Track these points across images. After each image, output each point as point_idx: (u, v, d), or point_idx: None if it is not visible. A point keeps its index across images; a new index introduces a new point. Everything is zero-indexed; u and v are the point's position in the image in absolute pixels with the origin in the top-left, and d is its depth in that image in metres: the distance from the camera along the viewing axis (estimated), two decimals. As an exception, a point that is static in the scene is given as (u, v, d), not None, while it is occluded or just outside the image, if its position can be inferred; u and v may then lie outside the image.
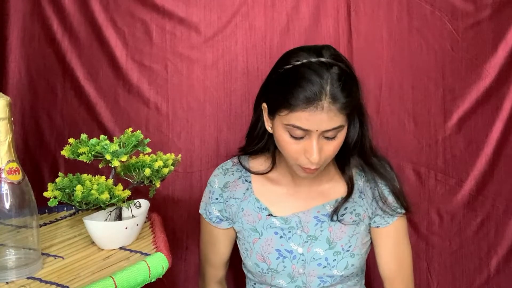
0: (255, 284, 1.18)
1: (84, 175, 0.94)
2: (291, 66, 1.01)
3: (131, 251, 0.95)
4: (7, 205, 0.82)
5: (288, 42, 1.33)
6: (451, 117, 1.38)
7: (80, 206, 0.90)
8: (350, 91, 0.99)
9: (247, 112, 1.34)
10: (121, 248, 0.96)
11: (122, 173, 0.99)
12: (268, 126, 1.08)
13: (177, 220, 1.37)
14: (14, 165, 0.83)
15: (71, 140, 0.95)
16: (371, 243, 1.18)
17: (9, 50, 1.33)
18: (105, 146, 0.92)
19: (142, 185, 0.99)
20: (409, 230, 1.19)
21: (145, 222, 1.07)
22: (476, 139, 1.39)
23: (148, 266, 0.86)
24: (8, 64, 1.33)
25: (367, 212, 1.14)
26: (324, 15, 1.34)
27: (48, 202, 0.88)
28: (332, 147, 1.02)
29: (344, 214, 1.12)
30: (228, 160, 1.21)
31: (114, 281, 0.80)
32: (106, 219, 0.97)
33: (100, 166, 0.98)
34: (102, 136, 0.93)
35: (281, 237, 1.12)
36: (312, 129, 0.98)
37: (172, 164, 1.00)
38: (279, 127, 1.02)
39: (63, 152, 0.94)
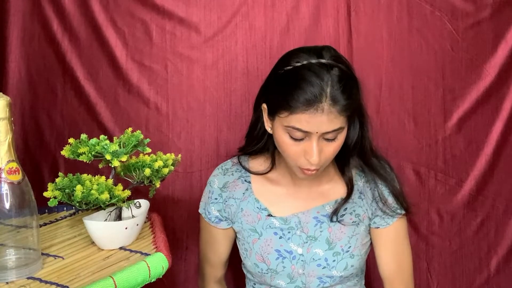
0: (254, 284, 1.18)
1: (84, 175, 0.94)
2: (291, 67, 1.01)
3: (131, 251, 0.95)
4: (7, 205, 0.82)
5: (288, 42, 1.33)
6: (451, 117, 1.38)
7: (80, 206, 0.90)
8: (351, 93, 0.99)
9: (247, 112, 1.34)
10: (121, 248, 0.96)
11: (122, 173, 0.99)
12: (268, 126, 1.08)
13: (177, 220, 1.37)
14: (14, 165, 0.83)
15: (71, 140, 0.95)
16: (371, 243, 1.18)
17: (9, 50, 1.33)
18: (105, 146, 0.92)
19: (142, 185, 0.99)
20: (409, 230, 1.19)
21: (145, 222, 1.07)
22: (476, 139, 1.39)
23: (148, 266, 0.86)
24: (8, 64, 1.33)
25: (367, 212, 1.14)
26: (324, 15, 1.34)
27: (48, 202, 0.88)
28: (332, 148, 1.02)
29: (344, 214, 1.12)
30: (228, 160, 1.21)
31: (114, 281, 0.80)
32: (106, 219, 0.97)
33: (100, 166, 0.98)
34: (102, 136, 0.93)
35: (280, 237, 1.12)
36: (312, 131, 0.98)
37: (172, 164, 1.00)
38: (279, 129, 1.02)
39: (63, 152, 0.94)
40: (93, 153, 0.92)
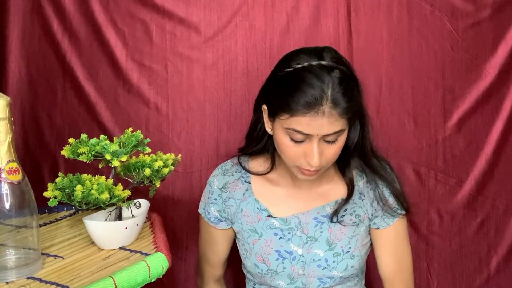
0: (255, 284, 1.18)
1: (84, 175, 0.94)
2: (292, 69, 1.01)
3: (131, 251, 0.95)
4: (7, 205, 0.82)
5: (288, 42, 1.33)
6: (451, 117, 1.38)
7: (80, 206, 0.90)
8: (352, 95, 0.99)
9: (247, 112, 1.34)
10: (121, 248, 0.96)
11: (122, 173, 0.99)
12: (268, 128, 1.08)
13: (177, 220, 1.37)
14: (14, 165, 0.83)
15: (71, 140, 0.95)
16: (371, 244, 1.18)
17: (9, 50, 1.33)
18: (105, 146, 0.92)
19: (142, 185, 0.99)
20: (409, 230, 1.19)
21: (145, 222, 1.07)
22: (476, 139, 1.39)
23: (148, 266, 0.86)
24: (8, 64, 1.33)
25: (367, 213, 1.14)
26: (324, 15, 1.34)
27: (48, 202, 0.88)
28: (333, 150, 1.02)
29: (344, 215, 1.12)
30: (228, 161, 1.21)
31: (114, 281, 0.80)
32: (106, 219, 0.97)
33: (100, 166, 0.98)
34: (102, 136, 0.93)
35: (280, 238, 1.12)
36: (313, 133, 0.97)
37: (172, 164, 1.00)
38: (279, 130, 1.02)
39: (63, 152, 0.94)
40: (93, 153, 0.92)
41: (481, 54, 1.37)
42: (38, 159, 1.36)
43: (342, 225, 1.12)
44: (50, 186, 0.90)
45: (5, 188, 0.82)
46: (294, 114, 0.97)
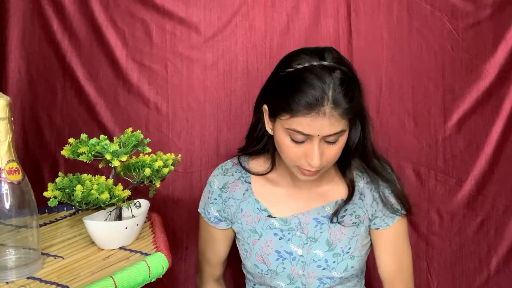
0: (254, 285, 1.18)
1: (84, 175, 0.94)
2: (292, 69, 1.00)
3: (131, 251, 0.95)
4: (7, 205, 0.82)
5: (288, 42, 1.33)
6: (451, 117, 1.38)
7: (80, 206, 0.90)
8: (353, 96, 0.98)
9: (247, 112, 1.34)
10: (121, 248, 0.96)
11: (122, 173, 0.99)
12: (268, 128, 1.08)
13: (177, 220, 1.37)
14: (14, 165, 0.83)
15: (71, 140, 0.95)
16: (371, 244, 1.17)
17: (9, 50, 1.33)
18: (105, 146, 0.92)
19: (142, 185, 0.99)
20: (409, 230, 1.19)
21: (145, 222, 1.07)
22: (476, 139, 1.39)
23: (148, 266, 0.86)
24: (8, 64, 1.33)
25: (367, 214, 1.14)
26: (324, 15, 1.34)
27: (48, 202, 0.88)
28: (333, 151, 1.02)
29: (344, 216, 1.12)
30: (228, 161, 1.21)
31: (114, 281, 0.80)
32: (106, 219, 0.97)
33: (100, 166, 0.98)
34: (102, 136, 0.93)
35: (280, 238, 1.12)
36: (313, 134, 0.97)
37: (172, 164, 1.00)
38: (280, 131, 1.02)
39: (63, 152, 0.94)
40: (93, 153, 0.92)
41: (481, 54, 1.37)
42: (38, 159, 1.36)
43: (342, 225, 1.11)
44: (50, 186, 0.90)
45: (5, 188, 0.82)
46: (295, 114, 0.97)
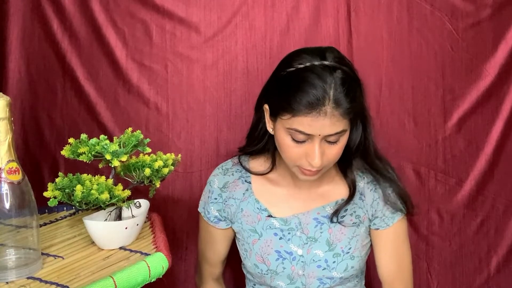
0: (254, 285, 1.18)
1: (84, 175, 0.94)
2: (294, 69, 1.00)
3: (131, 251, 0.95)
4: (7, 205, 0.82)
5: (288, 42, 1.33)
6: (451, 117, 1.38)
7: (80, 206, 0.90)
8: (354, 95, 0.98)
9: (247, 112, 1.34)
10: (121, 248, 0.96)
11: (122, 173, 0.99)
12: (269, 127, 1.08)
13: (177, 220, 1.37)
14: (14, 165, 0.83)
15: (71, 140, 0.95)
16: (371, 245, 1.17)
17: (9, 50, 1.33)
18: (105, 146, 0.92)
19: (142, 185, 0.99)
20: (409, 230, 1.19)
21: (145, 222, 1.07)
22: (476, 139, 1.39)
23: (148, 266, 0.86)
24: (8, 64, 1.33)
25: (367, 214, 1.14)
26: (324, 15, 1.34)
27: (48, 202, 0.88)
28: (334, 151, 1.02)
29: (344, 216, 1.12)
30: (228, 160, 1.21)
31: (114, 281, 0.80)
32: (106, 219, 0.97)
33: (100, 166, 0.98)
34: (102, 136, 0.93)
35: (280, 238, 1.12)
36: (314, 133, 0.97)
37: (172, 164, 1.00)
38: (280, 130, 1.02)
39: (63, 152, 0.94)
40: (93, 153, 0.92)
41: (481, 54, 1.37)
42: (38, 159, 1.36)
43: (342, 225, 1.11)
44: (50, 186, 0.90)
45: (5, 188, 0.82)
46: (296, 114, 0.97)
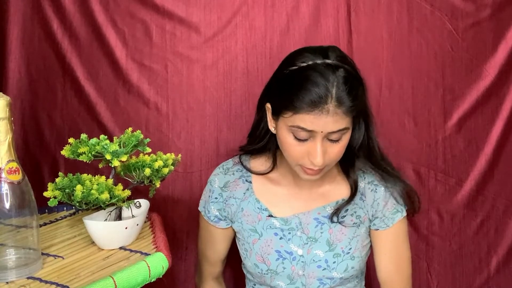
0: (254, 285, 1.18)
1: (84, 175, 0.94)
2: (296, 67, 1.00)
3: (131, 251, 0.95)
4: (7, 205, 0.82)
5: (288, 42, 1.33)
6: (451, 117, 1.38)
7: (80, 206, 0.90)
8: (356, 94, 0.98)
9: (247, 112, 1.34)
10: (121, 248, 0.96)
11: (122, 173, 0.99)
12: (271, 126, 1.08)
13: (177, 220, 1.37)
14: (14, 165, 0.83)
15: (71, 140, 0.95)
16: (371, 245, 1.17)
17: (9, 50, 1.33)
18: (105, 146, 0.92)
19: (142, 185, 0.99)
20: (409, 230, 1.19)
21: (145, 222, 1.07)
22: (476, 139, 1.39)
23: (148, 266, 0.86)
24: (8, 64, 1.33)
25: (368, 214, 1.14)
26: (324, 15, 1.34)
27: (48, 202, 0.88)
28: (336, 149, 1.01)
29: (345, 216, 1.12)
30: (229, 160, 1.21)
31: (114, 281, 0.80)
32: (106, 219, 0.97)
33: (100, 166, 0.98)
34: (102, 136, 0.93)
35: (281, 238, 1.12)
36: (316, 130, 0.97)
37: (172, 164, 1.00)
38: (283, 128, 1.02)
39: (63, 152, 0.94)
40: (93, 153, 0.92)
41: (481, 54, 1.37)
42: (38, 159, 1.36)
43: (343, 225, 1.11)
44: (50, 186, 0.90)
45: (5, 188, 0.82)
46: (298, 112, 0.97)
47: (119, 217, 0.98)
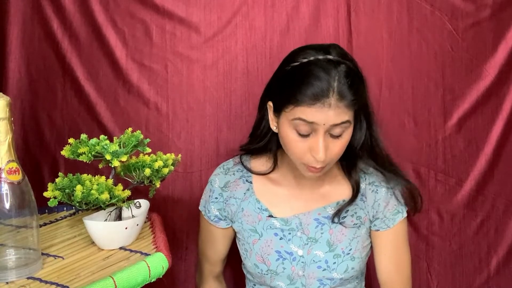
0: (254, 285, 1.18)
1: (84, 175, 0.94)
2: (298, 63, 1.01)
3: (131, 251, 0.95)
4: (7, 205, 0.82)
5: (288, 42, 1.33)
6: (451, 117, 1.38)
7: (80, 206, 0.90)
8: (357, 88, 0.99)
9: (247, 112, 1.34)
10: (121, 248, 0.96)
11: (122, 173, 0.99)
12: (273, 125, 1.08)
13: (177, 220, 1.37)
14: (14, 165, 0.83)
15: (71, 140, 0.95)
16: (371, 246, 1.17)
17: (9, 50, 1.33)
18: (105, 146, 0.92)
19: (142, 185, 0.99)
20: (409, 230, 1.19)
21: (145, 222, 1.07)
22: (476, 139, 1.39)
23: (148, 266, 0.86)
24: (8, 64, 1.33)
25: (368, 215, 1.14)
26: (324, 15, 1.34)
27: (48, 202, 0.88)
28: (338, 146, 1.01)
29: (345, 216, 1.12)
30: (230, 160, 1.21)
31: (114, 281, 0.80)
32: (106, 219, 0.97)
33: (100, 166, 0.98)
34: (102, 136, 0.93)
35: (281, 238, 1.12)
36: (319, 122, 0.97)
37: (172, 164, 1.00)
38: (285, 124, 1.02)
39: (63, 152, 0.94)
40: (93, 153, 0.92)
41: (481, 54, 1.37)
42: (38, 159, 1.36)
43: (343, 226, 1.11)
44: (50, 186, 0.90)
45: (5, 188, 0.82)
46: (300, 104, 0.97)
47: (119, 217, 0.98)
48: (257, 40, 1.34)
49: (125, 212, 0.99)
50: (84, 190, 0.89)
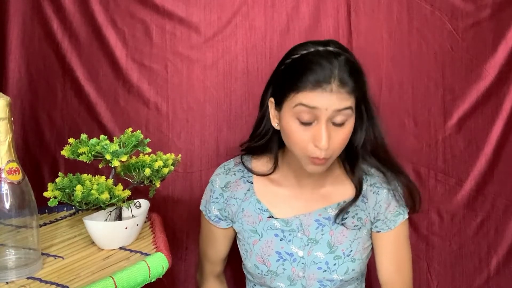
0: (255, 285, 1.18)
1: (84, 175, 0.94)
2: (298, 55, 1.02)
3: (131, 251, 0.95)
4: (7, 205, 0.82)
5: (288, 42, 1.33)
6: (451, 117, 1.38)
7: (80, 206, 0.90)
8: (358, 77, 1.00)
9: (247, 112, 1.34)
10: (121, 248, 0.96)
11: (122, 173, 0.99)
12: (274, 122, 1.07)
13: (177, 220, 1.37)
14: (14, 165, 0.83)
15: (71, 140, 0.95)
16: (372, 248, 1.17)
17: (9, 50, 1.33)
18: (105, 146, 0.92)
19: (142, 185, 0.99)
20: (409, 231, 1.19)
21: (145, 222, 1.07)
22: (476, 139, 1.39)
23: (148, 266, 0.86)
24: (8, 64, 1.33)
25: (369, 216, 1.13)
26: (324, 15, 1.34)
27: (48, 202, 0.88)
28: (340, 135, 1.01)
29: (346, 218, 1.12)
30: (231, 160, 1.20)
31: (114, 281, 0.80)
32: (106, 219, 0.97)
33: (100, 166, 0.98)
34: (102, 136, 0.93)
35: (281, 239, 1.12)
36: (321, 107, 0.97)
37: (172, 164, 1.00)
38: (286, 115, 1.01)
39: (63, 152, 0.94)
40: (93, 153, 0.92)
41: (481, 54, 1.37)
42: (38, 159, 1.36)
43: (345, 227, 1.11)
44: (50, 186, 0.90)
45: (5, 188, 0.82)
46: (301, 89, 0.97)
47: (119, 217, 0.98)
48: (257, 40, 1.34)
49: (125, 212, 0.99)
50: (84, 190, 0.89)
